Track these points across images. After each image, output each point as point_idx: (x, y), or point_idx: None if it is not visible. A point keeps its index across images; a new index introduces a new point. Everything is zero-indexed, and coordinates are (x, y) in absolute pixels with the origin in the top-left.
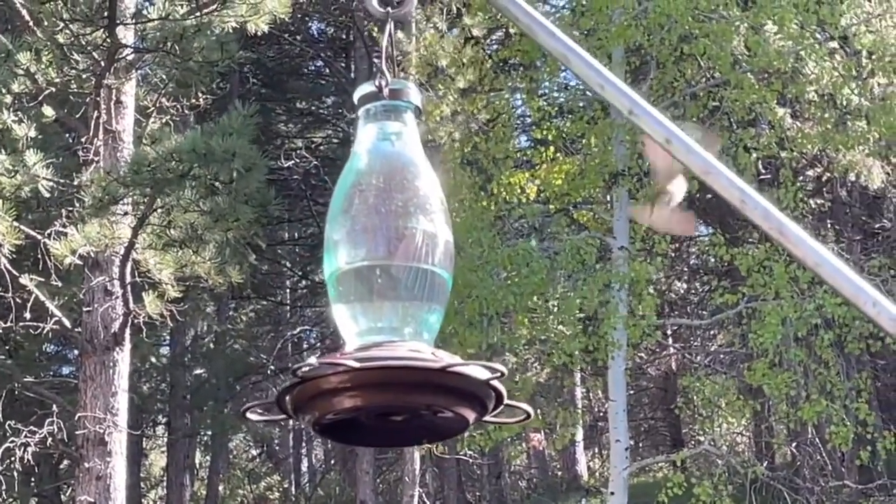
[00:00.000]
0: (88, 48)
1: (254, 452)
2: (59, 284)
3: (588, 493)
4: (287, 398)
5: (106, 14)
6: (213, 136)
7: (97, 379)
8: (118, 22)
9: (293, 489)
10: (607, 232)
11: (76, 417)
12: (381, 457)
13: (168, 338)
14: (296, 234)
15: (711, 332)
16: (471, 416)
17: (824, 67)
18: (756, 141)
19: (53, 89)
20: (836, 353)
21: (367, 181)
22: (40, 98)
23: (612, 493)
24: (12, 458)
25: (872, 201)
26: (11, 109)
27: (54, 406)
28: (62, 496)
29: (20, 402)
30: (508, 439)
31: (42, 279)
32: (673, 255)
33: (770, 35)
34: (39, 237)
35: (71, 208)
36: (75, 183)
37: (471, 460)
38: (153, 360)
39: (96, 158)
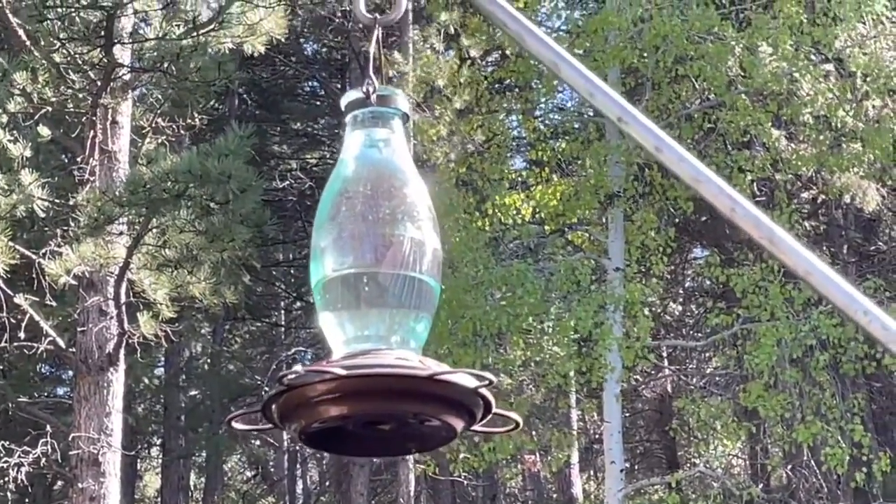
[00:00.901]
0: (85, 67)
1: (248, 474)
2: (54, 304)
3: None
4: (273, 407)
5: (103, 33)
6: (209, 156)
7: (91, 399)
8: (115, 41)
9: None
10: (602, 253)
11: (70, 438)
12: (376, 478)
13: (162, 359)
14: (291, 256)
15: (707, 355)
16: (459, 424)
17: (819, 89)
18: (751, 163)
19: (49, 108)
20: (832, 374)
21: (354, 188)
22: (36, 117)
23: None
24: (6, 479)
25: (868, 224)
26: (7, 128)
27: (48, 426)
28: None
29: (14, 422)
30: (503, 461)
31: (37, 299)
32: (669, 277)
33: (765, 56)
34: (34, 257)
35: (66, 228)
36: (71, 202)
37: (466, 482)
38: (147, 381)
39: (92, 178)
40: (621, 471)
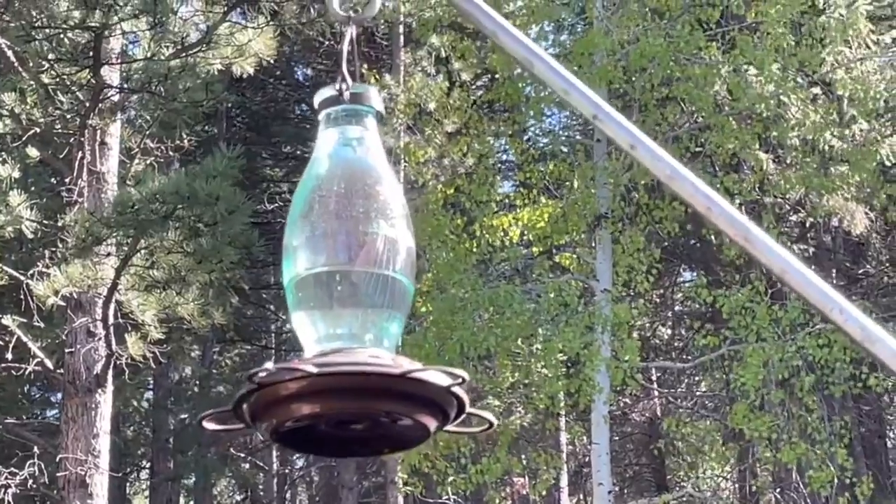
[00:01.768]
0: (73, 88)
1: (238, 497)
2: (42, 325)
3: None
4: (244, 406)
5: (91, 54)
6: (197, 178)
7: (79, 420)
8: (103, 62)
9: None
10: (590, 275)
11: (57, 459)
12: (365, 501)
13: (151, 381)
14: (280, 279)
15: (696, 378)
16: (432, 424)
17: (806, 112)
18: (739, 185)
19: (38, 130)
20: (819, 397)
21: (327, 186)
22: (24, 138)
23: None
24: None
25: (856, 247)
26: None
27: (36, 448)
28: None
29: (1, 444)
30: (492, 483)
31: (24, 320)
32: (658, 300)
33: (751, 78)
34: (22, 278)
35: (54, 249)
36: (59, 224)
37: None
38: (136, 403)
39: (80, 199)
40: (609, 493)
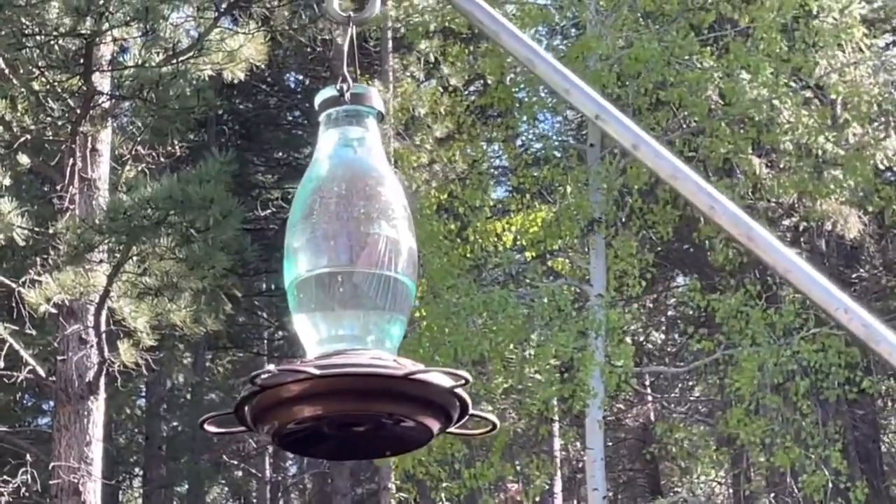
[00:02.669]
0: (64, 95)
1: None
2: (34, 333)
3: None
4: (246, 408)
5: (82, 61)
6: (190, 182)
7: (72, 428)
8: (94, 69)
9: None
10: (583, 279)
11: (50, 467)
12: None
13: (144, 389)
14: (273, 286)
15: (690, 384)
16: (434, 426)
17: (799, 116)
18: (732, 190)
19: (29, 137)
20: (814, 401)
21: (328, 188)
22: (15, 145)
23: None
24: None
25: (850, 251)
26: None
27: (28, 456)
28: None
29: None
30: (486, 488)
31: (16, 328)
32: (651, 306)
33: (745, 83)
34: (14, 285)
35: (46, 256)
36: (50, 231)
37: None
38: (129, 410)
39: (71, 206)
40: (604, 498)
